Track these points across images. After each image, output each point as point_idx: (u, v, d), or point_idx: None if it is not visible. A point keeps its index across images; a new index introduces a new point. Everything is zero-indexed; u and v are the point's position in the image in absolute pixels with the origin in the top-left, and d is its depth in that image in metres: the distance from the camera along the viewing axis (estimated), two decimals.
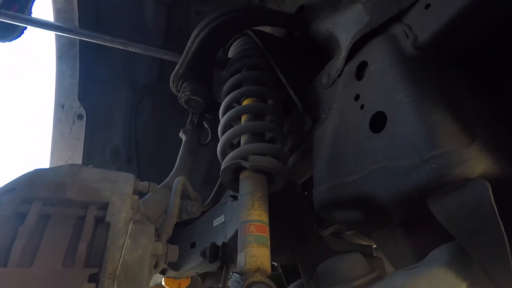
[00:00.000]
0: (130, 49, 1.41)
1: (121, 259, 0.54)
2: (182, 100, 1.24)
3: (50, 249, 0.52)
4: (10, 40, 1.51)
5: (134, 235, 0.59)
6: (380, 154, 0.72)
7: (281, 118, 1.14)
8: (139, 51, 1.42)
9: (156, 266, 0.63)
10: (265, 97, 1.20)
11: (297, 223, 1.35)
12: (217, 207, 1.85)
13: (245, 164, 0.94)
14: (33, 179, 0.59)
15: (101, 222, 0.59)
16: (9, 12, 1.36)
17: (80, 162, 1.94)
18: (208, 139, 1.46)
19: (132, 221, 0.60)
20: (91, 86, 1.91)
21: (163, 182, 1.09)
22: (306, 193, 1.79)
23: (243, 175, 0.98)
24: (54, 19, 1.61)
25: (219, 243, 1.81)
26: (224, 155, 1.07)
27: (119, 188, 0.64)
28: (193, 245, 1.98)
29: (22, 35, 1.60)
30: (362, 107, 0.82)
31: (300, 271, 1.30)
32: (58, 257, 0.51)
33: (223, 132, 1.10)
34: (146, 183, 0.72)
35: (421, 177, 0.61)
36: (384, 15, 0.79)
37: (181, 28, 1.83)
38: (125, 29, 1.80)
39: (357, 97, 0.85)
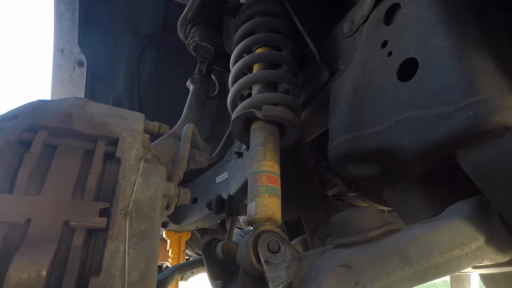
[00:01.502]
0: None
1: (132, 195, 0.51)
2: (191, 46, 1.16)
3: (58, 179, 0.48)
4: None
5: (145, 173, 0.55)
6: (407, 104, 0.68)
7: (295, 69, 1.08)
8: None
9: (167, 207, 0.61)
10: (280, 46, 1.12)
11: (303, 180, 1.34)
12: (220, 164, 1.83)
13: (258, 114, 0.89)
14: (38, 108, 0.55)
15: (110, 159, 0.55)
16: None
17: None
18: (215, 92, 1.40)
19: (143, 159, 0.56)
20: (92, 31, 1.81)
21: (171, 130, 1.05)
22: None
23: (254, 126, 0.93)
24: None
25: None
26: (234, 105, 1.02)
27: (130, 125, 0.60)
28: (195, 201, 1.99)
29: None
30: (389, 54, 0.75)
31: (304, 227, 1.31)
32: (67, 188, 0.48)
33: (234, 82, 1.04)
34: (157, 123, 0.67)
35: (455, 125, 0.57)
36: None
37: None
38: None
39: (384, 44, 0.78)
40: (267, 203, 0.78)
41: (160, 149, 0.93)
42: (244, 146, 1.53)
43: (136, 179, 0.53)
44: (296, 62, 1.12)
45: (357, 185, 1.81)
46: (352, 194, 1.88)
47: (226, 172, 1.81)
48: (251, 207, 0.80)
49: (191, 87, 1.23)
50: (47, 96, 1.83)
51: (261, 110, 0.89)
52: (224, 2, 1.16)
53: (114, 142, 0.56)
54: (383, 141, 0.72)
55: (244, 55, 1.14)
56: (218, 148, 1.27)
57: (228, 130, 1.41)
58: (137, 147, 0.57)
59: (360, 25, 0.90)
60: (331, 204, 1.37)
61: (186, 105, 1.17)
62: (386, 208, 1.93)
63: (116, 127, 0.58)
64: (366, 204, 1.98)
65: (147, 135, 0.62)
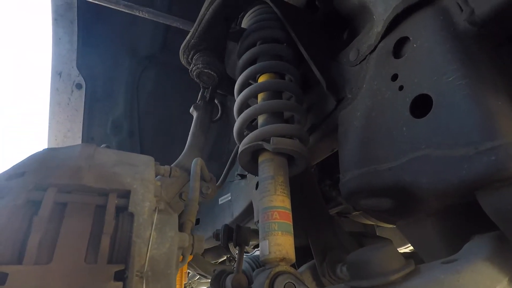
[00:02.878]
0: (136, 13, 1.28)
1: (148, 253, 0.49)
2: (194, 73, 1.15)
3: (70, 242, 0.46)
4: None
5: (160, 226, 0.53)
6: (422, 141, 0.66)
7: (300, 96, 1.06)
8: (146, 16, 1.29)
9: (182, 259, 0.59)
10: (283, 72, 1.11)
11: (310, 204, 1.32)
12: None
13: (267, 146, 0.87)
14: (45, 161, 0.52)
15: (122, 212, 0.53)
16: None
17: (79, 134, 1.86)
18: (218, 115, 1.39)
19: (156, 210, 0.54)
20: (90, 53, 1.79)
21: (176, 162, 1.03)
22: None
23: (263, 157, 0.92)
24: None
25: (226, 221, 1.79)
26: (241, 135, 1.00)
27: (140, 173, 0.58)
28: (197, 222, 1.96)
29: None
30: (401, 88, 0.75)
31: (312, 253, 1.29)
32: (80, 252, 0.46)
33: (239, 111, 1.02)
34: (167, 167, 0.65)
35: (476, 169, 0.55)
36: None
37: None
38: None
39: (394, 77, 0.77)
40: (280, 242, 0.76)
41: (167, 183, 0.91)
42: None
43: (150, 234, 0.51)
44: (300, 87, 1.11)
45: None
46: (356, 212, 1.87)
47: (229, 194, 1.79)
48: (264, 245, 0.78)
49: (194, 114, 1.22)
50: (45, 120, 1.80)
51: (269, 142, 0.88)
52: (227, 28, 1.15)
53: (126, 194, 0.54)
54: (399, 178, 0.70)
55: (251, 81, 1.13)
56: (223, 175, 1.25)
57: (232, 156, 1.39)
58: (150, 199, 0.55)
59: (367, 55, 0.90)
60: (339, 227, 1.35)
61: (190, 133, 1.15)
62: (390, 226, 1.92)
63: (127, 178, 0.56)
64: (371, 222, 1.96)
65: (159, 183, 0.60)
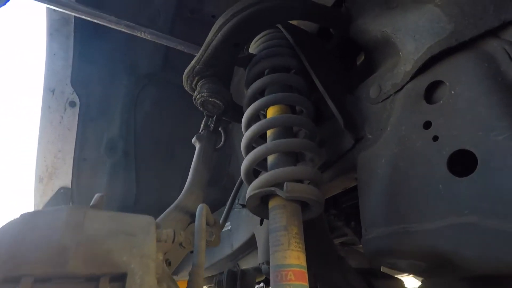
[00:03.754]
0: (138, 34, 1.20)
1: None
2: (198, 101, 1.06)
3: None
4: None
5: None
6: (465, 205, 0.58)
7: (314, 132, 0.98)
8: (148, 37, 1.21)
9: None
10: (294, 104, 1.03)
11: (319, 244, 1.23)
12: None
13: (280, 193, 0.78)
14: (19, 242, 0.42)
15: None
16: None
17: (71, 155, 1.75)
18: (222, 143, 1.29)
19: None
20: (86, 70, 1.70)
21: (176, 202, 0.93)
22: None
23: (274, 203, 0.82)
24: None
25: (225, 253, 1.68)
26: (249, 176, 0.91)
27: (139, 247, 0.48)
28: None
29: (7, 4, 1.37)
30: (435, 138, 0.66)
31: None
32: None
33: (247, 151, 0.93)
34: (170, 232, 0.55)
35: None
36: (477, 26, 0.63)
37: (193, 10, 1.61)
38: (128, 7, 1.57)
39: (427, 125, 0.69)
40: None
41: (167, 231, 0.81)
42: None
43: None
44: (313, 121, 1.03)
45: None
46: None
47: (229, 223, 1.68)
48: None
49: (197, 145, 1.12)
50: (35, 139, 1.69)
51: (282, 187, 0.78)
52: (236, 54, 1.07)
53: (120, 277, 0.44)
54: (436, 243, 0.61)
55: (262, 112, 1.05)
56: (224, 214, 1.15)
57: (234, 190, 1.30)
58: (150, 282, 0.45)
59: (391, 94, 0.82)
60: (348, 268, 1.25)
61: (192, 167, 1.05)
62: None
63: (123, 256, 0.46)
64: None
65: (160, 258, 0.50)
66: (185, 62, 1.11)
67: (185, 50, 1.28)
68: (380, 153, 0.79)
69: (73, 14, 1.35)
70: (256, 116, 1.03)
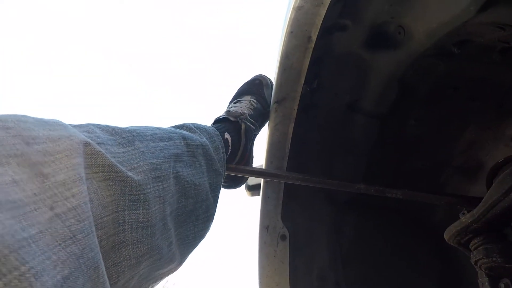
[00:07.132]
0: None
1: None
2: (484, 266, 0.93)
3: None
4: (234, 188, 1.65)
5: None
6: None
7: None
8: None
9: None
10: None
11: None
12: None
13: None
14: None
15: None
16: (241, 167, 1.42)
17: (287, 287, 1.81)
18: None
19: None
20: (292, 205, 1.83)
21: None
22: None
23: None
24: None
25: None
26: None
27: None
28: None
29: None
30: None
31: None
32: None
33: None
34: None
35: None
36: None
37: (394, 142, 1.60)
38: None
39: None
40: None
41: None
42: None
43: None
44: None
45: None
46: None
47: None
48: None
49: None
50: (255, 274, 1.85)
51: None
52: None
53: None
54: None
55: None
56: None
57: None
58: None
59: None
60: None
61: None
62: None
63: None
64: None
65: None
66: None
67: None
68: None
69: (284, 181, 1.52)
70: None
